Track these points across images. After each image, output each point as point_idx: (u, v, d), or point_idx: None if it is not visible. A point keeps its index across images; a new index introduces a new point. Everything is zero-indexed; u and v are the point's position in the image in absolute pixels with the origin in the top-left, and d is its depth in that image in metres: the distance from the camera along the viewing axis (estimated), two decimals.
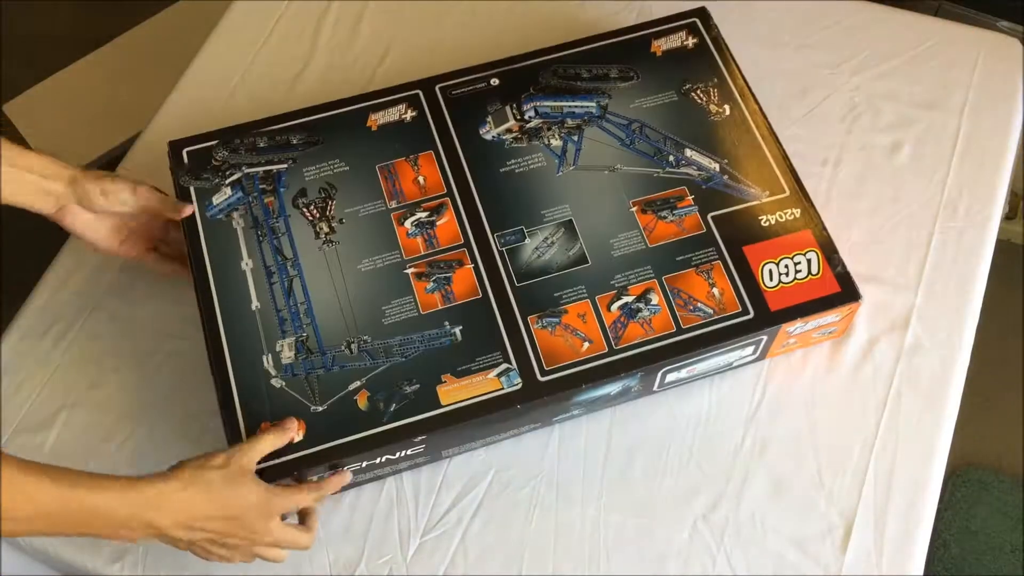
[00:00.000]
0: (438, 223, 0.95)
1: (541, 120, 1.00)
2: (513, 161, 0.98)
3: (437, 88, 1.02)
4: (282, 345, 0.89)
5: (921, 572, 0.88)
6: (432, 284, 0.91)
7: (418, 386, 0.86)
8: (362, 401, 0.86)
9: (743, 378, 0.96)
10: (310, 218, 0.95)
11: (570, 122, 1.00)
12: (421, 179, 0.97)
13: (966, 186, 1.06)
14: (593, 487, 0.91)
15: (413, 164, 0.98)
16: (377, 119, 1.00)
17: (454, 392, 0.86)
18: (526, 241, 0.93)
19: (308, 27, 1.21)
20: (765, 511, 0.90)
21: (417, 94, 1.02)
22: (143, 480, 0.75)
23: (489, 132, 0.99)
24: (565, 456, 0.93)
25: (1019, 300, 1.73)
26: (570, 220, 0.94)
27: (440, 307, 0.90)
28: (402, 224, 0.95)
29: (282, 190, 0.96)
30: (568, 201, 0.96)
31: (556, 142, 0.99)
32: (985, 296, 1.01)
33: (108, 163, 1.77)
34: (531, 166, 0.97)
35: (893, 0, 1.21)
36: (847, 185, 1.06)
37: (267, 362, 0.88)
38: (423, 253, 0.93)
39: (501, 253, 0.93)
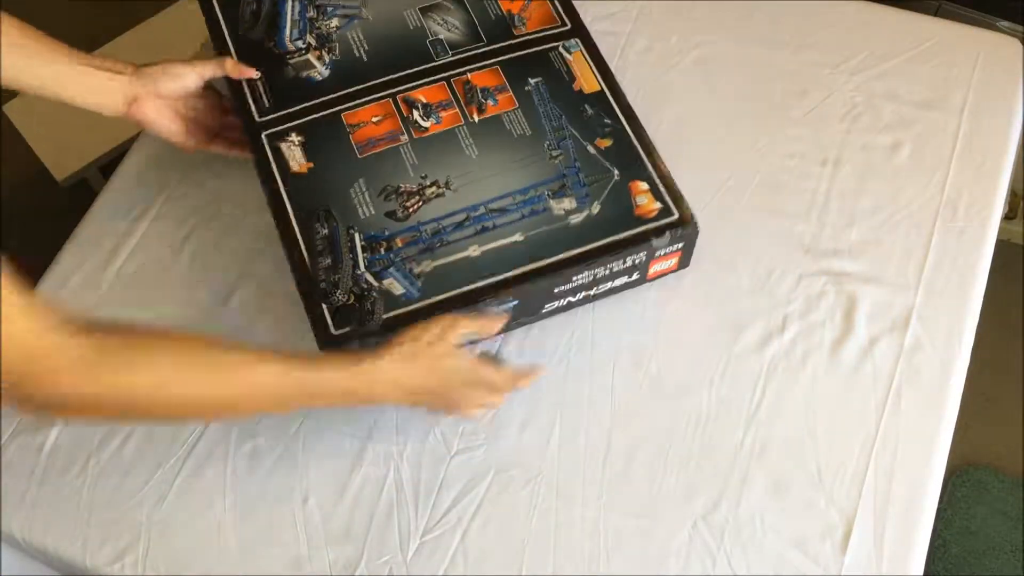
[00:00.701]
0: (433, 108, 1.00)
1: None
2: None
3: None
4: None
5: (921, 572, 0.88)
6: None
7: None
8: None
9: (743, 378, 0.96)
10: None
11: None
12: (375, 119, 1.00)
13: (966, 186, 1.06)
14: (593, 487, 0.91)
15: (355, 127, 0.99)
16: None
17: None
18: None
19: None
20: (765, 511, 0.90)
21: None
22: (359, 357, 0.83)
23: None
24: (565, 456, 0.93)
25: (1019, 300, 1.73)
26: None
27: None
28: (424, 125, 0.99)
29: None
30: None
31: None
32: (985, 296, 1.01)
33: (108, 163, 1.77)
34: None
35: (893, 0, 1.21)
36: (847, 185, 1.06)
37: None
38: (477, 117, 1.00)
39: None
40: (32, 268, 1.08)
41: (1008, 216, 1.74)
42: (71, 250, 1.06)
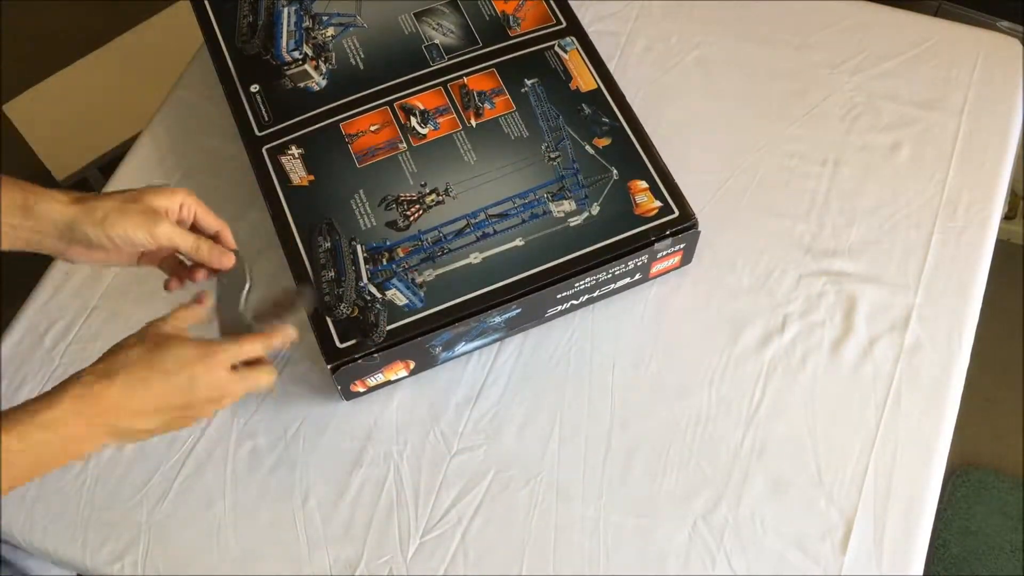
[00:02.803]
0: (431, 115, 1.00)
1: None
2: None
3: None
4: None
5: (921, 572, 0.88)
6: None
7: None
8: None
9: (743, 378, 0.96)
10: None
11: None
12: (374, 127, 1.00)
13: (966, 186, 1.06)
14: (593, 487, 0.91)
15: (351, 139, 0.99)
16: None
17: None
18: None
19: None
20: (765, 511, 0.90)
21: None
22: (67, 393, 0.67)
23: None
24: (565, 456, 0.93)
25: (1019, 300, 1.73)
26: None
27: None
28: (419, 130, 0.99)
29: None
30: None
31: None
32: (985, 296, 1.01)
33: (108, 163, 1.77)
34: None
35: (893, 0, 1.21)
36: (847, 185, 1.06)
37: None
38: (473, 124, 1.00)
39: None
40: (32, 268, 1.08)
41: (1008, 216, 1.74)
42: None
